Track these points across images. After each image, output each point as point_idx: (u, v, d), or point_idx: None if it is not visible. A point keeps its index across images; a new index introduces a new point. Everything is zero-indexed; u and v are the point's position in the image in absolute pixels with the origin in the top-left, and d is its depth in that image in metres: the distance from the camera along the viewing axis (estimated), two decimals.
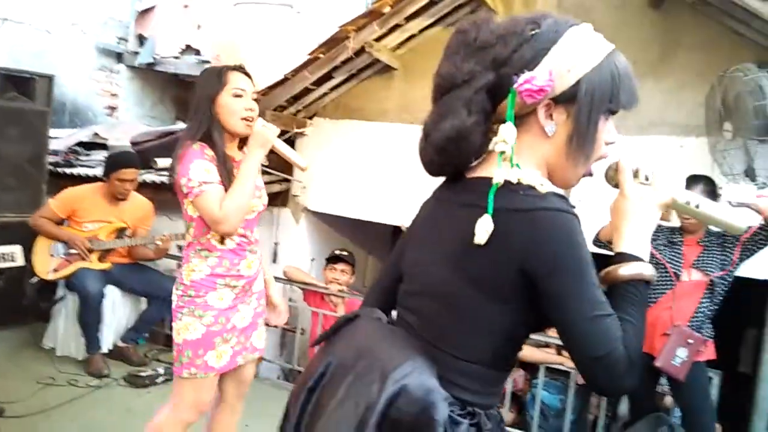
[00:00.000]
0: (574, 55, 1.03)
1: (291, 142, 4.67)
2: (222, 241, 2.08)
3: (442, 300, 1.09)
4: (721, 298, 2.85)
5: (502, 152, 1.03)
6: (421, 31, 4.13)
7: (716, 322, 2.92)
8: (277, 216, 4.75)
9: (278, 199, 4.74)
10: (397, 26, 4.00)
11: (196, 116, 2.07)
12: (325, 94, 4.52)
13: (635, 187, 1.10)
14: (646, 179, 1.11)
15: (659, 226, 2.99)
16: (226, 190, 2.01)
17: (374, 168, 4.30)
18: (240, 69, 2.12)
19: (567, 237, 0.99)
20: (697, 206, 1.12)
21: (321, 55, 4.18)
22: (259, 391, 3.89)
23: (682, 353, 2.76)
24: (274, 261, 4.67)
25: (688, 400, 2.87)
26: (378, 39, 4.05)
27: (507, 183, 1.02)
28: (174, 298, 2.13)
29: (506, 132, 1.03)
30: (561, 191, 1.05)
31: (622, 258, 1.05)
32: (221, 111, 2.05)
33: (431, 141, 1.09)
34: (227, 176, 2.02)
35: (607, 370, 0.96)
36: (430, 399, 0.99)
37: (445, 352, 1.07)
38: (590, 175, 1.12)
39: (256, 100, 2.12)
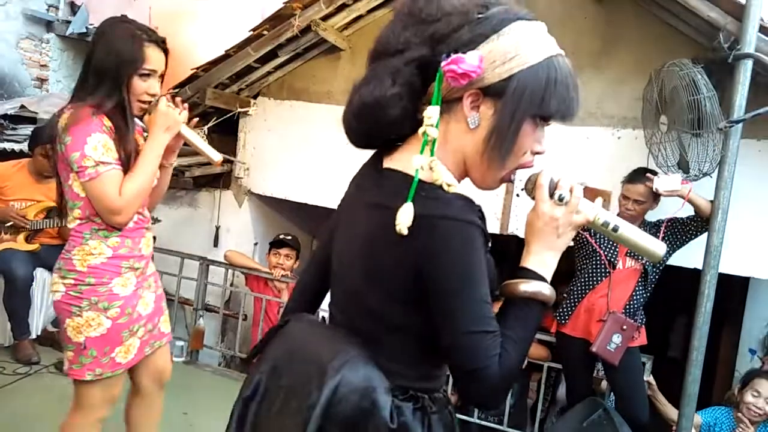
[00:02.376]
0: (513, 49, 0.98)
1: (234, 123, 4.55)
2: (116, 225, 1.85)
3: (360, 299, 1.08)
4: (653, 285, 2.97)
5: (425, 134, 0.98)
6: (369, 12, 4.07)
7: (648, 309, 3.05)
8: (219, 198, 4.63)
9: (219, 180, 4.63)
10: (344, 6, 3.94)
11: (104, 82, 1.80)
12: (269, 72, 4.41)
13: (549, 206, 1.05)
14: (560, 200, 1.05)
15: None
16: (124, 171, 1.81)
17: (320, 151, 4.24)
18: (158, 42, 1.88)
19: (460, 249, 0.96)
20: (616, 229, 1.10)
21: (265, 32, 4.07)
22: (198, 379, 3.83)
23: (616, 339, 2.87)
24: (216, 245, 4.57)
25: (622, 384, 2.98)
26: (325, 18, 3.98)
27: (419, 182, 0.99)
28: (60, 288, 1.84)
29: (431, 114, 0.98)
30: (468, 194, 1.00)
31: (525, 274, 1.03)
32: (129, 90, 1.84)
33: (351, 105, 1.06)
34: (136, 150, 1.84)
35: (478, 384, 0.96)
36: (370, 385, 1.00)
37: (376, 347, 1.05)
38: (510, 181, 1.09)
39: (162, 78, 1.91)
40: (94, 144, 1.74)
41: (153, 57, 1.85)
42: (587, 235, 3.04)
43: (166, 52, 1.91)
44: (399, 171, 1.04)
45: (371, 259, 1.04)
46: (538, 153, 1.06)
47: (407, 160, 1.01)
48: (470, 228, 0.97)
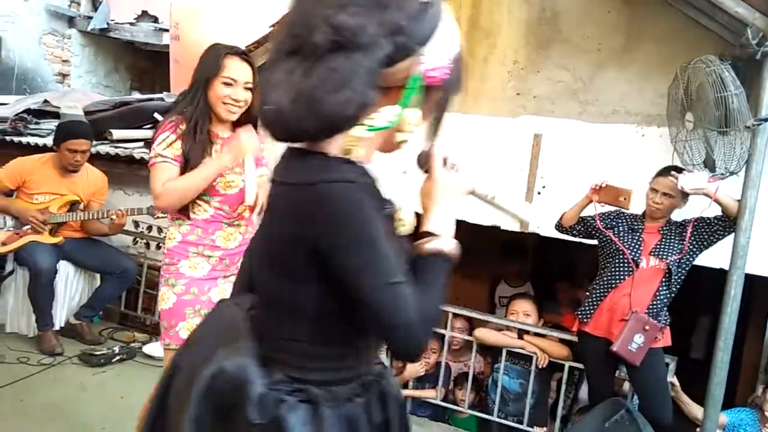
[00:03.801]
0: (447, 39, 1.03)
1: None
2: (194, 210, 2.14)
3: (262, 284, 1.13)
4: (678, 286, 2.92)
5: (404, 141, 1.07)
6: None
7: (670, 309, 3.00)
8: None
9: None
10: None
11: (189, 94, 2.15)
12: None
13: (444, 174, 1.15)
14: (452, 168, 1.18)
15: (621, 213, 3.06)
16: (191, 168, 2.08)
17: None
18: (240, 55, 2.16)
19: (350, 209, 0.97)
20: (493, 198, 1.27)
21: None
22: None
23: (638, 339, 2.83)
24: None
25: (644, 386, 2.94)
26: None
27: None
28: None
29: (413, 119, 1.04)
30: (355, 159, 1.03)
31: (428, 235, 1.09)
32: (211, 94, 2.12)
33: (321, 110, 0.94)
34: (200, 154, 2.09)
35: (405, 337, 0.98)
36: (244, 377, 1.02)
37: (272, 333, 1.08)
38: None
39: (250, 89, 2.15)
40: (161, 140, 2.08)
41: (233, 66, 2.12)
42: (611, 234, 3.00)
43: (250, 64, 2.16)
44: (323, 153, 1.05)
45: (271, 243, 1.09)
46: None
47: (332, 147, 1.04)
48: (352, 186, 0.99)
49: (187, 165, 2.09)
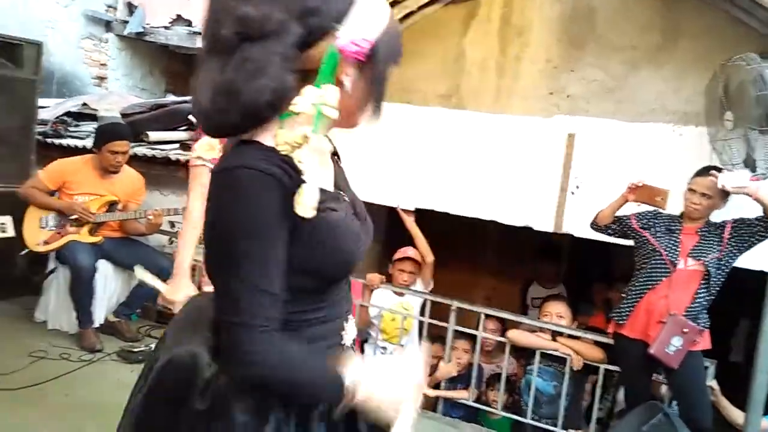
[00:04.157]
0: (370, 11, 0.98)
1: None
2: None
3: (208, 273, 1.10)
4: (717, 288, 2.86)
5: (319, 113, 0.95)
6: (420, 8, 4.06)
7: (710, 311, 2.94)
8: None
9: None
10: (395, 2, 3.94)
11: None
12: None
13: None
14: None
15: (658, 213, 3.01)
16: None
17: (374, 148, 4.25)
18: None
19: (240, 195, 0.93)
20: None
21: None
22: None
23: (676, 342, 2.78)
24: None
25: (683, 389, 2.89)
26: None
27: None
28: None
29: (331, 95, 0.95)
30: (274, 144, 0.97)
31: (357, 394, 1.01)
32: None
33: (240, 100, 0.92)
34: None
35: (230, 340, 0.95)
36: (192, 364, 1.01)
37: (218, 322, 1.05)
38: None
39: None
40: (201, 143, 2.15)
41: None
42: (647, 234, 2.96)
43: None
44: (253, 141, 1.00)
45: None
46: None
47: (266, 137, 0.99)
48: (255, 175, 0.93)
49: None
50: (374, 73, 1.01)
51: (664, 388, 3.17)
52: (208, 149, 2.12)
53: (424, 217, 4.04)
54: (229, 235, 0.95)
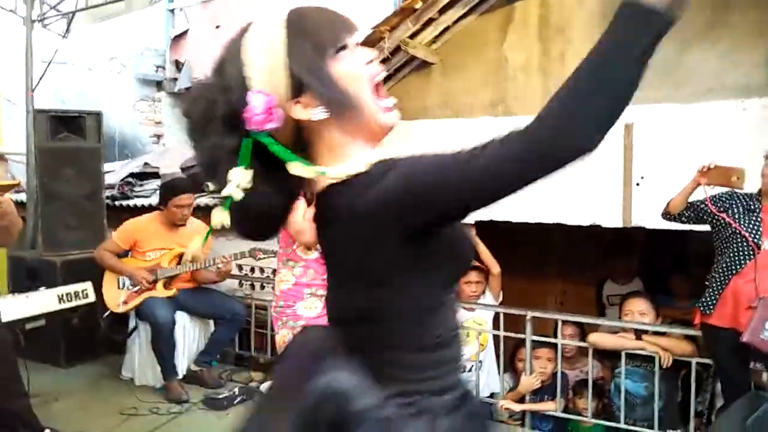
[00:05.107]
0: (262, 54, 0.98)
1: None
2: (308, 249, 2.17)
3: (341, 301, 1.12)
4: None
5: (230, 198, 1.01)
6: (456, 22, 4.06)
7: None
8: None
9: None
10: (431, 20, 3.95)
11: None
12: None
13: None
14: None
15: (734, 193, 2.86)
16: None
17: None
18: None
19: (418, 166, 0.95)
20: None
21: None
22: None
23: None
24: None
25: None
26: (412, 36, 4.00)
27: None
28: (272, 310, 2.27)
29: (236, 178, 1.00)
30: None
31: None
32: None
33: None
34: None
35: (535, 144, 0.85)
36: (349, 395, 0.97)
37: (366, 348, 1.03)
38: (390, 109, 1.04)
39: None
40: None
41: None
42: (726, 216, 2.81)
43: None
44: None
45: (337, 262, 1.08)
46: (369, 62, 1.03)
47: None
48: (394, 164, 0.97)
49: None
50: (312, 89, 0.99)
51: (765, 376, 2.97)
52: None
53: (485, 228, 3.99)
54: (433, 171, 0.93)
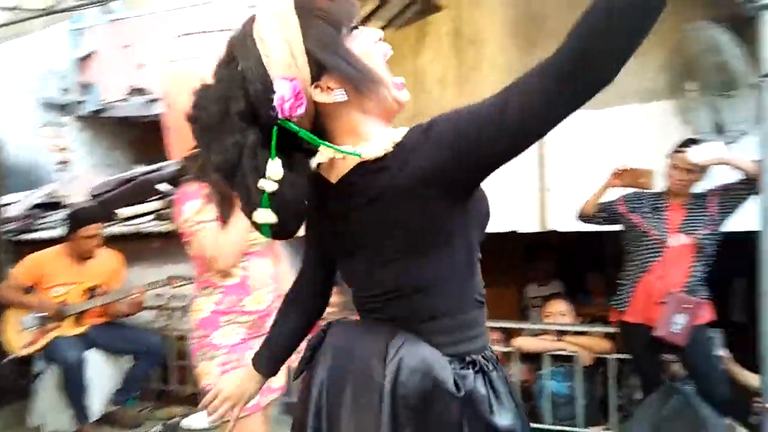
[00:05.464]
0: (279, 40, 0.98)
1: None
2: (225, 276, 2.09)
3: (374, 284, 1.12)
4: (711, 258, 2.83)
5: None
6: None
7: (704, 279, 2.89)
8: None
9: None
10: None
11: (201, 156, 2.08)
12: None
13: None
14: None
15: (642, 193, 2.97)
16: None
17: None
18: None
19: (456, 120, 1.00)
20: None
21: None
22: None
23: (680, 319, 2.73)
24: None
25: (695, 365, 2.85)
26: None
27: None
28: (191, 341, 2.17)
29: (271, 170, 0.99)
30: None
31: None
32: None
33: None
34: (229, 214, 2.05)
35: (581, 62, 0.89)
36: (428, 364, 1.01)
37: (417, 326, 1.07)
38: (402, 86, 1.09)
39: None
40: (191, 208, 2.05)
41: None
42: (634, 217, 2.92)
43: None
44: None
45: (376, 241, 1.07)
46: (378, 41, 1.06)
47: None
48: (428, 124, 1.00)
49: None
50: (332, 68, 0.99)
51: (677, 367, 3.10)
52: (199, 213, 2.04)
53: None
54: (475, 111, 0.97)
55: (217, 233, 2.03)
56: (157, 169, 5.05)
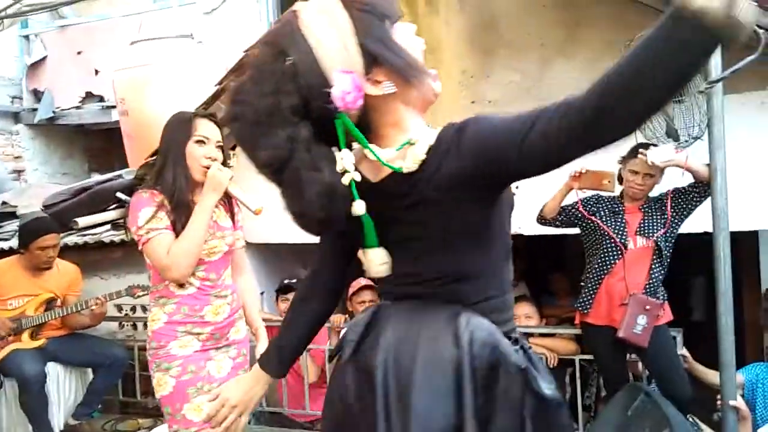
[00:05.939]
0: (332, 34, 1.00)
1: None
2: (179, 286, 2.05)
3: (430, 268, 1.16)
4: (668, 259, 2.92)
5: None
6: None
7: (663, 280, 2.99)
8: None
9: None
10: None
11: (158, 165, 2.12)
12: None
13: None
14: None
15: (599, 197, 3.04)
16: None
17: None
18: (208, 116, 2.17)
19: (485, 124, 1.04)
20: None
21: (232, 83, 4.05)
22: None
23: (642, 320, 2.80)
24: None
25: (658, 365, 2.92)
26: None
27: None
28: (146, 353, 2.12)
29: (346, 161, 1.05)
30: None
31: None
32: (187, 157, 2.08)
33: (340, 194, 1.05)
34: (184, 221, 2.03)
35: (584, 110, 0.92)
36: (495, 338, 1.05)
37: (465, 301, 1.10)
38: (436, 78, 1.12)
39: (221, 147, 2.14)
40: (144, 216, 2.01)
41: (203, 125, 2.12)
42: (595, 219, 2.98)
43: (217, 124, 2.14)
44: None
45: (425, 231, 1.09)
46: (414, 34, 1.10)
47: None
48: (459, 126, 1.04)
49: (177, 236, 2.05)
50: (383, 61, 1.03)
51: (641, 367, 3.19)
52: (152, 221, 2.02)
53: None
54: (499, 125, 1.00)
55: (171, 242, 2.00)
56: (115, 177, 4.94)
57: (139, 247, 2.06)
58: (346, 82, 0.98)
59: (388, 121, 1.07)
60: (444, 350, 1.03)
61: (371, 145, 1.05)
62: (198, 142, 2.09)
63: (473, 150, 0.99)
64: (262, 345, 2.28)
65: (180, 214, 2.04)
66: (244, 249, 2.36)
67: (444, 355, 1.03)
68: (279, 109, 0.99)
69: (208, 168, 2.08)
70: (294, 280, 4.12)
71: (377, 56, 1.01)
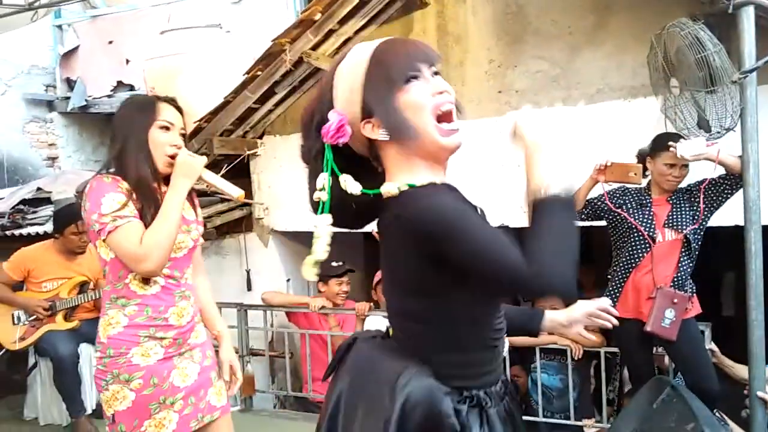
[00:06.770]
0: (347, 79, 1.17)
1: (245, 166, 4.57)
2: (143, 284, 1.82)
3: (393, 309, 1.30)
4: (697, 252, 2.88)
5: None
6: (357, 32, 4.07)
7: (693, 273, 2.95)
8: (244, 242, 4.64)
9: (242, 224, 4.63)
10: (331, 31, 3.95)
11: (114, 146, 1.89)
12: (271, 110, 4.43)
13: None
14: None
15: (626, 189, 3.00)
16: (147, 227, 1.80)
17: None
18: (170, 101, 1.96)
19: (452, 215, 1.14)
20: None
21: (259, 73, 4.10)
22: (258, 425, 3.81)
23: (669, 314, 2.77)
24: (249, 289, 4.57)
25: (685, 359, 2.88)
26: (314, 47, 3.98)
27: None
28: (95, 362, 1.86)
29: (322, 180, 1.19)
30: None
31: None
32: (150, 145, 1.87)
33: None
34: (153, 211, 1.81)
35: (531, 277, 1.05)
36: (433, 396, 1.11)
37: (426, 351, 1.17)
38: (455, 131, 1.18)
39: (183, 135, 1.95)
40: (109, 203, 1.76)
41: (166, 110, 1.91)
42: (622, 212, 2.95)
43: (179, 110, 1.96)
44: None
45: (390, 265, 1.22)
46: (438, 93, 1.17)
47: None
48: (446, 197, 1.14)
49: (150, 220, 1.81)
50: (376, 114, 1.15)
51: (667, 360, 3.15)
52: (120, 208, 1.76)
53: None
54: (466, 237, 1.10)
55: (142, 231, 1.77)
56: None
57: (101, 237, 1.76)
58: (333, 120, 1.15)
59: (393, 160, 1.19)
60: (380, 407, 1.11)
61: (343, 175, 1.19)
62: (162, 128, 1.87)
63: (417, 240, 1.12)
64: (227, 348, 2.11)
65: (148, 204, 1.81)
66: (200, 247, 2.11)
67: (381, 408, 1.11)
68: (312, 123, 1.22)
69: (172, 157, 1.87)
70: (341, 262, 4.13)
71: (371, 111, 1.15)
